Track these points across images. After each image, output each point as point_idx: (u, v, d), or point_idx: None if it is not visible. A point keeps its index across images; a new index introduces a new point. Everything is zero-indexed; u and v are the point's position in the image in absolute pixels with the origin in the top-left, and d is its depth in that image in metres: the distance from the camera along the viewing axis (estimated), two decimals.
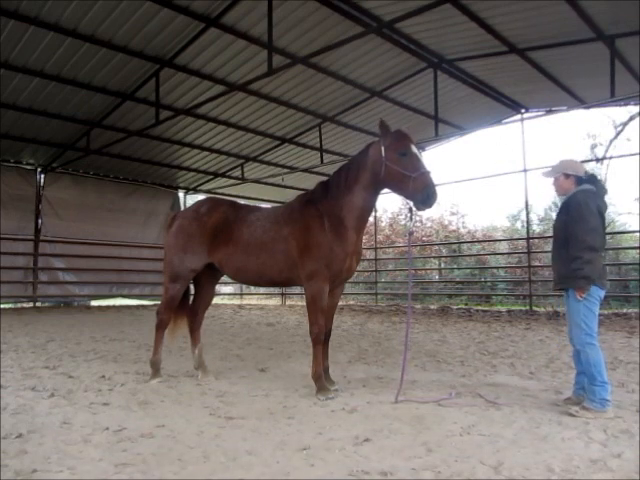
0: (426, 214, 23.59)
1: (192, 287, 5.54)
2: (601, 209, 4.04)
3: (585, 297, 3.90)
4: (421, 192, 4.10)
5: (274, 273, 4.76)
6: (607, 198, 4.19)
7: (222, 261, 4.92)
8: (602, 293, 3.98)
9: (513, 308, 14.47)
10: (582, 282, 3.88)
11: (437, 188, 4.13)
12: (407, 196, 4.30)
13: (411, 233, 5.21)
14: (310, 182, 13.31)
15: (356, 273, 22.08)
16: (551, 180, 4.32)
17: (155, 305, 13.25)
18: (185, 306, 5.37)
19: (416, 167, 4.16)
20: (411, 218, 4.74)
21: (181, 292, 5.15)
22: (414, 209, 4.39)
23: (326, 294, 4.56)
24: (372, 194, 4.55)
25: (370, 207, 4.64)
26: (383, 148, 4.31)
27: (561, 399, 4.26)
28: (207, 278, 5.31)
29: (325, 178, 4.91)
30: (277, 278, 4.86)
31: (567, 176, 4.17)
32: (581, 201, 4.01)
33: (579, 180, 4.15)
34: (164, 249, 5.30)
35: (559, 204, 4.40)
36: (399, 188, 4.30)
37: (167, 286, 5.12)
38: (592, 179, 4.18)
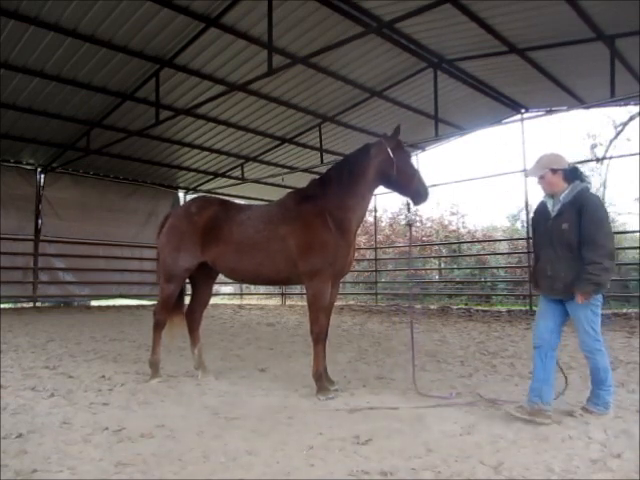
0: (426, 214, 23.84)
1: (188, 288, 5.55)
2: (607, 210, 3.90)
3: (591, 302, 3.72)
4: (422, 189, 4.59)
5: (271, 273, 4.76)
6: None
7: (215, 260, 4.93)
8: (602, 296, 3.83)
9: (513, 308, 14.48)
10: (591, 288, 3.64)
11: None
12: (409, 193, 4.66)
13: (411, 224, 5.38)
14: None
15: (356, 273, 22.01)
16: (535, 179, 3.99)
17: (154, 305, 13.26)
18: (181, 305, 5.37)
19: (414, 168, 4.70)
20: (409, 210, 5.03)
21: (177, 291, 5.15)
22: (412, 204, 4.83)
23: (328, 293, 4.58)
24: (372, 191, 4.84)
25: (369, 202, 4.93)
26: (390, 150, 4.56)
27: (513, 407, 3.80)
28: (203, 277, 5.30)
29: None
30: (275, 278, 4.88)
31: (554, 171, 3.86)
32: (599, 203, 3.82)
33: (567, 174, 3.88)
34: (158, 249, 5.28)
35: (551, 202, 3.94)
36: (404, 186, 4.63)
37: (162, 286, 5.12)
38: (579, 173, 3.91)
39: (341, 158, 5.18)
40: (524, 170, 14.19)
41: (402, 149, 4.68)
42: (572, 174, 3.88)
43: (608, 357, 3.84)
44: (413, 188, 4.58)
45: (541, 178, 3.93)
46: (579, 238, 3.70)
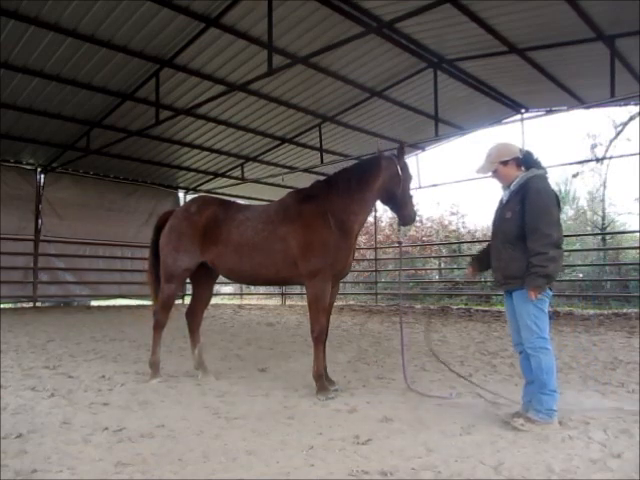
0: (426, 214, 23.90)
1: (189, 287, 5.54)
2: (558, 198, 3.64)
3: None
4: (413, 213, 4.86)
5: (271, 274, 4.77)
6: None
7: (214, 261, 4.92)
8: (551, 292, 3.61)
9: None
10: (541, 281, 3.41)
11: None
12: (402, 213, 4.83)
13: (401, 243, 5.68)
14: (310, 182, 13.32)
15: (356, 273, 21.98)
16: (489, 174, 3.84)
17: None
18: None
19: (411, 192, 4.87)
20: (399, 229, 5.25)
21: (177, 292, 5.17)
22: (401, 224, 5.07)
23: (329, 293, 4.60)
24: (375, 201, 4.96)
25: (371, 210, 5.15)
26: (399, 167, 4.70)
27: (509, 414, 3.73)
28: (204, 277, 5.30)
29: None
30: (274, 278, 4.89)
31: (505, 163, 3.71)
32: (541, 189, 3.55)
33: (519, 162, 3.71)
34: (160, 249, 5.23)
35: (505, 193, 3.81)
36: (401, 206, 4.78)
37: (162, 286, 5.12)
38: (532, 159, 3.71)
39: (341, 159, 5.30)
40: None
41: (408, 170, 4.82)
42: (527, 161, 3.72)
43: (554, 359, 3.60)
44: (407, 210, 4.79)
45: (494, 172, 3.79)
46: (521, 226, 3.53)
